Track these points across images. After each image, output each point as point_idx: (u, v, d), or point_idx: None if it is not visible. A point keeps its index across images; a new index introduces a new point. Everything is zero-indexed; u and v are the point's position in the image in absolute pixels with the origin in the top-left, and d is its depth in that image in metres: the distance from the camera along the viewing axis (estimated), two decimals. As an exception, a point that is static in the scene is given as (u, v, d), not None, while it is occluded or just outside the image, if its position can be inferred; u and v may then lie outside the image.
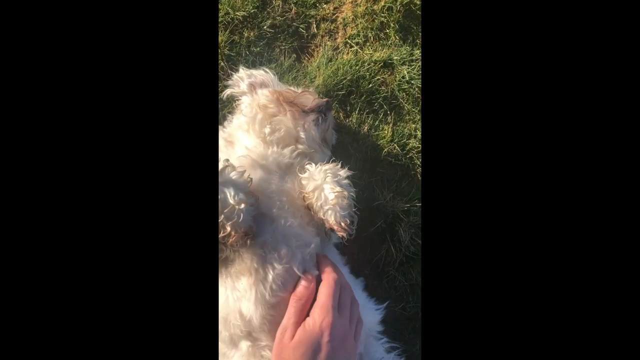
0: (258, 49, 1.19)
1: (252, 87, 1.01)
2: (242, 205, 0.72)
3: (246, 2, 1.20)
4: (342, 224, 0.78)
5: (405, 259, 1.08)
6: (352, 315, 0.78)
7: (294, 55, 1.22)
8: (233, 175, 0.74)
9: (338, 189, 0.79)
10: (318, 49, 1.24)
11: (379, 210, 1.11)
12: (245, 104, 0.97)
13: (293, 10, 1.23)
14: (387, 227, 1.10)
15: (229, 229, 0.71)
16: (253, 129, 0.91)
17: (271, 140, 0.90)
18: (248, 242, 0.75)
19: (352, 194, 0.82)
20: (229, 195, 0.71)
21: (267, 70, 1.05)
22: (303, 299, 0.74)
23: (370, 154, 1.15)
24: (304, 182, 0.83)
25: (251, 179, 0.78)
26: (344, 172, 0.84)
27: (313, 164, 0.86)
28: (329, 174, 0.82)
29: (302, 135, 0.91)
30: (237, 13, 1.18)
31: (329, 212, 0.79)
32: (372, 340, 0.93)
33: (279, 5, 1.23)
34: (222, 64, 1.16)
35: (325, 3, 1.27)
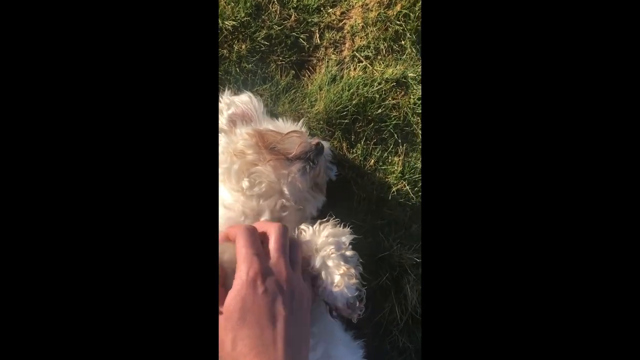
0: (250, 65, 1.02)
1: (232, 122, 0.86)
2: None
3: (237, 9, 1.03)
4: (350, 308, 0.70)
5: (411, 320, 0.94)
6: (293, 257, 0.67)
7: (292, 71, 1.05)
8: None
9: (344, 267, 0.69)
10: (320, 63, 1.07)
11: (384, 262, 0.96)
12: (221, 148, 0.82)
13: (292, 16, 1.06)
14: (393, 282, 0.95)
15: None
16: (229, 181, 0.77)
17: (251, 195, 0.76)
18: None
19: (359, 267, 0.73)
20: None
21: (252, 95, 0.90)
22: None
23: (377, 193, 0.99)
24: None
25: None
26: (346, 238, 0.74)
27: (309, 227, 0.75)
28: (331, 246, 0.71)
29: (285, 191, 0.76)
30: (226, 22, 1.02)
31: (336, 295, 0.70)
32: None
33: (276, 11, 1.05)
34: (207, 84, 1.01)
35: (331, 7, 1.09)
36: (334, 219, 0.77)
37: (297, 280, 0.65)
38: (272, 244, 0.65)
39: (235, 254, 0.65)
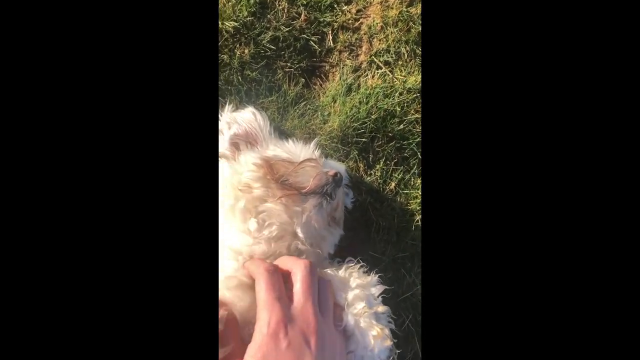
0: (254, 73, 0.89)
1: (235, 144, 0.74)
2: None
3: (239, 7, 0.90)
4: None
5: (437, 368, 0.83)
6: (323, 300, 0.58)
7: (302, 80, 0.92)
8: None
9: (377, 328, 0.60)
10: (334, 70, 0.93)
11: (406, 302, 0.84)
12: (223, 179, 0.70)
13: (302, 15, 0.92)
14: (416, 325, 0.84)
15: None
16: (234, 219, 0.65)
17: (259, 237, 0.64)
18: None
19: (391, 324, 0.65)
20: None
21: (256, 112, 0.77)
22: None
23: (398, 221, 0.87)
24: None
25: (227, 312, 0.56)
26: (376, 290, 0.65)
27: (335, 272, 0.66)
28: (362, 302, 0.62)
29: (300, 233, 0.65)
30: (226, 23, 0.88)
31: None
32: None
33: (283, 10, 0.92)
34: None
35: (346, 4, 0.95)
36: (360, 264, 0.67)
37: (327, 329, 0.56)
38: (298, 285, 0.56)
39: (251, 300, 0.57)
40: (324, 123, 0.88)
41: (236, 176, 0.67)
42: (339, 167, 0.80)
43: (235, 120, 0.76)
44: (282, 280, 0.57)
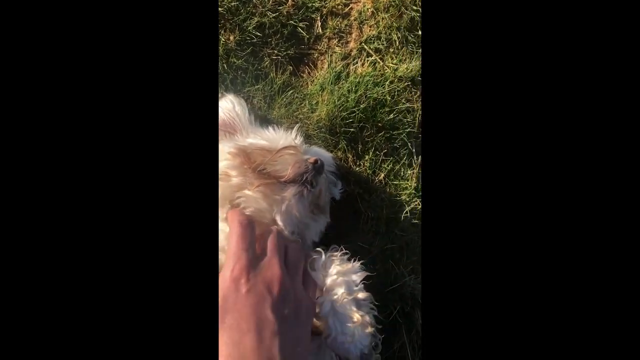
0: (240, 60, 0.87)
1: (215, 134, 0.72)
2: None
3: (225, -8, 0.88)
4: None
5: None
6: (293, 260, 0.59)
7: (290, 68, 0.89)
8: None
9: (357, 315, 0.60)
10: (322, 58, 0.91)
11: (394, 293, 0.82)
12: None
13: (289, 1, 0.89)
14: (404, 316, 0.82)
15: None
16: None
17: None
18: None
19: (374, 310, 0.64)
20: None
21: (234, 100, 0.75)
22: None
23: (387, 212, 0.85)
24: None
25: None
26: (358, 277, 0.64)
27: (319, 258, 0.65)
28: (342, 288, 0.61)
29: (279, 222, 0.63)
30: (211, 10, 0.86)
31: (349, 348, 0.61)
32: None
33: (270, -5, 0.89)
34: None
35: (336, -11, 0.92)
36: (342, 252, 0.67)
37: (292, 284, 0.56)
38: (268, 244, 0.57)
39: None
40: (312, 112, 0.86)
41: (214, 165, 0.66)
42: (324, 154, 0.78)
43: (215, 108, 0.74)
44: (254, 235, 0.57)
